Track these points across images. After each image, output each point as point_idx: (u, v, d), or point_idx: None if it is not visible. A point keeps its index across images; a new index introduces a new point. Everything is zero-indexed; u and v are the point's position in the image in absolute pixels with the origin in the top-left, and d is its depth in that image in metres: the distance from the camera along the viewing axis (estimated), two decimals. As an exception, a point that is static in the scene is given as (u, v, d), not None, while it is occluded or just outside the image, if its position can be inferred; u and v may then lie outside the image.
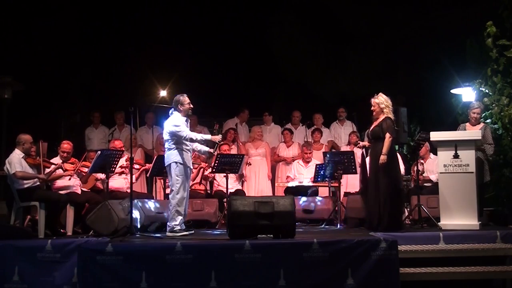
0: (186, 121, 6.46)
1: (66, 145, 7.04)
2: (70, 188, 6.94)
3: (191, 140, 6.33)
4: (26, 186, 6.44)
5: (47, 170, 6.70)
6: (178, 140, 6.25)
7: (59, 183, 6.93)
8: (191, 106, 6.41)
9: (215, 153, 6.94)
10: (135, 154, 8.76)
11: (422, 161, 7.82)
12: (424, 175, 7.72)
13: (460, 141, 6.44)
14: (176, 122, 6.28)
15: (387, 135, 6.19)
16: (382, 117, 6.34)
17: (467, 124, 7.26)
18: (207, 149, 6.59)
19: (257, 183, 9.06)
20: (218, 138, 6.50)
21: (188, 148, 6.37)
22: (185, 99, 6.38)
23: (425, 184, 7.68)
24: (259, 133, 9.32)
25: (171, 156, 6.25)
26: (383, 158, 6.13)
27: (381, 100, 6.38)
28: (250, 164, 8.77)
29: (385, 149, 6.16)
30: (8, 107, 8.27)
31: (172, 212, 6.18)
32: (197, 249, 5.12)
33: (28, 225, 6.92)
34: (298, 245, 5.15)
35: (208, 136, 6.50)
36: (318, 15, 11.68)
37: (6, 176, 6.59)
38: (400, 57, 11.30)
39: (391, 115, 6.34)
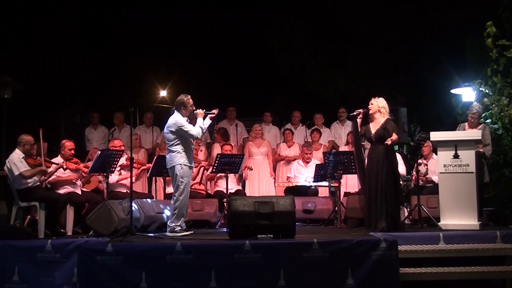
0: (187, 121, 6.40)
1: (69, 143, 7.05)
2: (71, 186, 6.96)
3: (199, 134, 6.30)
4: (26, 186, 6.41)
5: (49, 170, 6.70)
6: (183, 141, 6.16)
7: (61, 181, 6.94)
8: (194, 108, 6.34)
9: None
10: (138, 154, 8.76)
11: (425, 161, 7.81)
12: (427, 176, 7.69)
13: (460, 141, 6.44)
14: (181, 122, 6.17)
15: (394, 134, 6.26)
16: (381, 119, 6.36)
17: (466, 124, 7.27)
18: (208, 122, 6.47)
19: (260, 183, 9.04)
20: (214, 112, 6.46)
21: (192, 147, 6.32)
22: (189, 101, 6.28)
23: (427, 185, 7.66)
24: (258, 131, 9.24)
25: (175, 158, 6.12)
26: (394, 139, 6.21)
27: (380, 101, 6.41)
28: (252, 169, 8.70)
29: (394, 138, 6.23)
30: (8, 107, 8.27)
31: (175, 212, 6.11)
32: (197, 249, 5.11)
33: (28, 225, 6.91)
34: (298, 245, 5.15)
35: (208, 121, 6.42)
36: (318, 15, 11.67)
37: (6, 176, 6.58)
38: (400, 57, 11.27)
39: (389, 117, 6.38)
